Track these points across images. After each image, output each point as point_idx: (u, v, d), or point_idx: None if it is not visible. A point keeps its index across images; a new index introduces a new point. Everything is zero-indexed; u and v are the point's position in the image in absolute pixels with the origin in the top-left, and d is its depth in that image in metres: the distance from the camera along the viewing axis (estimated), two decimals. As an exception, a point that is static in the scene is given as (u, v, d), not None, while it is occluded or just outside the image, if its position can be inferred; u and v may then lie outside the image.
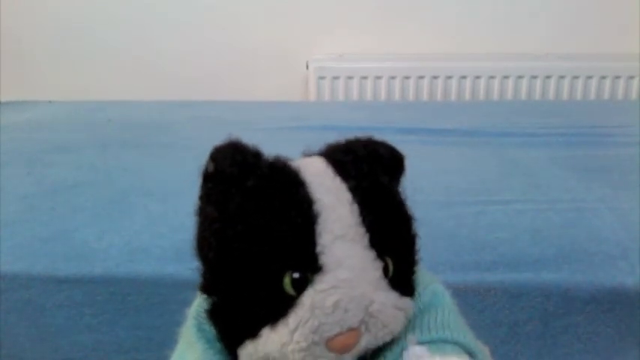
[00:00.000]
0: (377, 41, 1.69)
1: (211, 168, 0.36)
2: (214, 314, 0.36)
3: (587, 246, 0.68)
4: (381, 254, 0.34)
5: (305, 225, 0.33)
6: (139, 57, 1.73)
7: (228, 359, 0.37)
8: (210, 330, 0.38)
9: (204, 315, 0.38)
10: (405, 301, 0.36)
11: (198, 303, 0.40)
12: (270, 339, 0.33)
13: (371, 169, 0.37)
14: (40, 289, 0.67)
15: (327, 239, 0.33)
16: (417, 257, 0.38)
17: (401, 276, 0.36)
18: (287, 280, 0.33)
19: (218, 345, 0.38)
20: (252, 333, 0.34)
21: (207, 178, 0.37)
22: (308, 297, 0.33)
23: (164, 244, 0.69)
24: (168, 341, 0.69)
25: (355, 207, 0.34)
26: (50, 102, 1.48)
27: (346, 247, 0.33)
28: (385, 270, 0.35)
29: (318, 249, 0.33)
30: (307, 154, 0.39)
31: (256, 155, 0.36)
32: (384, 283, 0.34)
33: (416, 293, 0.38)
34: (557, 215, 0.73)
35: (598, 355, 0.67)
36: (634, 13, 1.61)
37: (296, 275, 0.33)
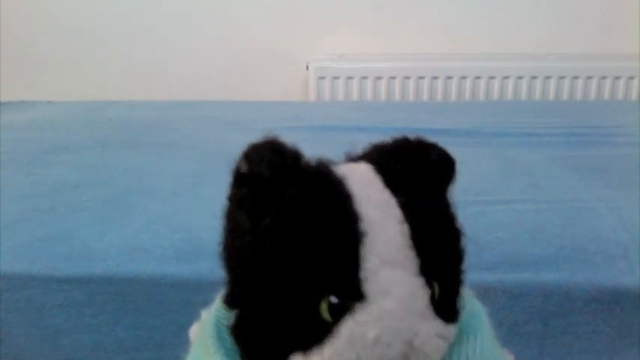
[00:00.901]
0: (377, 41, 1.69)
1: (245, 168, 0.31)
2: (238, 330, 0.33)
3: (587, 246, 0.68)
4: (429, 280, 0.31)
5: (349, 245, 0.30)
6: (139, 57, 1.73)
7: None
8: (229, 339, 0.35)
9: (223, 322, 0.35)
10: (449, 330, 0.33)
11: (218, 307, 0.37)
12: None
13: (422, 177, 0.33)
14: (40, 289, 0.67)
15: (374, 264, 0.30)
16: (463, 277, 0.35)
17: (446, 300, 0.33)
18: (324, 306, 0.30)
19: (237, 358, 0.35)
20: (281, 357, 0.31)
21: (240, 179, 0.32)
22: (347, 328, 0.29)
23: (164, 244, 0.69)
24: (169, 341, 0.70)
25: (406, 227, 0.31)
26: (50, 102, 1.48)
27: (393, 274, 0.30)
28: (432, 295, 0.31)
29: (362, 274, 0.29)
30: (351, 157, 0.35)
31: (296, 158, 0.32)
32: (429, 311, 0.31)
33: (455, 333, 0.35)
34: (557, 215, 0.73)
35: (598, 355, 0.67)
36: (634, 13, 1.61)
37: (334, 300, 0.29)
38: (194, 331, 0.40)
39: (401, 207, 0.31)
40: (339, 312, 0.30)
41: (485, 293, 0.64)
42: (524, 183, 0.84)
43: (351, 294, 0.30)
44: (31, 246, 0.69)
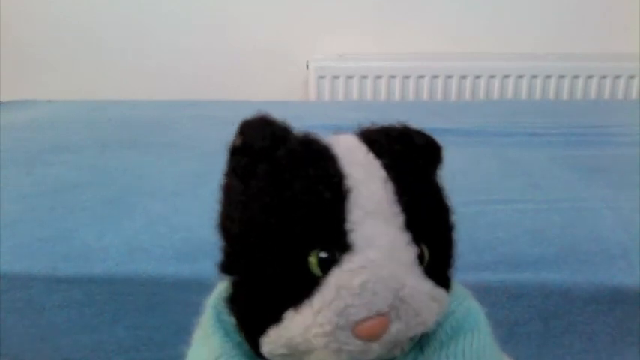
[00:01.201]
0: (377, 41, 1.69)
1: (239, 142, 0.34)
2: (235, 299, 0.34)
3: (587, 246, 0.68)
4: (416, 239, 0.32)
5: (334, 200, 0.31)
6: (139, 57, 1.73)
7: (246, 352, 0.35)
8: (229, 320, 0.36)
9: (223, 305, 0.36)
10: (440, 292, 0.33)
11: (218, 292, 0.38)
12: (294, 322, 0.31)
13: (406, 150, 0.34)
14: (40, 289, 0.67)
15: (358, 216, 0.31)
16: (453, 250, 0.36)
17: (437, 266, 0.33)
18: (313, 260, 0.31)
19: (236, 337, 0.36)
20: (275, 317, 0.32)
21: (235, 151, 0.34)
22: (334, 276, 0.30)
23: (164, 244, 0.69)
24: (169, 341, 0.70)
25: (390, 185, 0.32)
26: (50, 102, 1.48)
27: (378, 226, 0.31)
28: (420, 258, 0.32)
29: (348, 226, 0.31)
30: (338, 133, 0.36)
31: (285, 129, 0.34)
32: (418, 270, 0.32)
33: (450, 306, 0.36)
34: (557, 215, 0.73)
35: (598, 355, 0.67)
36: (634, 13, 1.61)
37: (323, 255, 0.31)
38: (196, 335, 0.40)
39: (384, 168, 0.33)
40: (328, 265, 0.31)
41: (485, 293, 0.64)
42: (524, 183, 0.84)
43: (338, 246, 0.31)
44: (31, 246, 0.69)
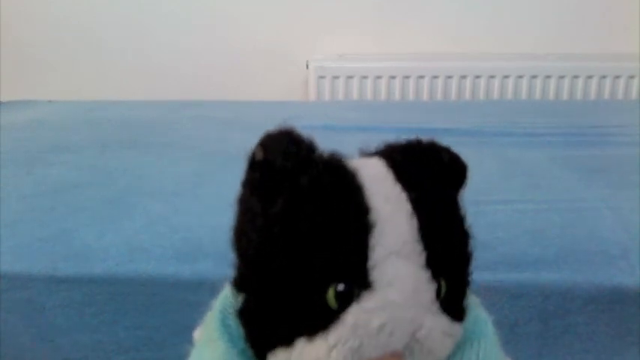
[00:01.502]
0: (377, 41, 1.69)
1: (260, 156, 0.32)
2: (245, 314, 0.34)
3: (587, 246, 0.68)
4: (435, 275, 0.32)
5: (358, 235, 0.30)
6: (139, 57, 1.73)
7: (249, 359, 0.35)
8: (235, 326, 0.35)
9: (229, 310, 0.36)
10: (455, 327, 0.33)
11: (225, 295, 0.38)
12: (306, 351, 0.31)
13: (433, 177, 0.34)
14: (40, 289, 0.67)
15: (381, 254, 0.30)
16: (470, 278, 0.35)
17: (453, 298, 0.33)
18: (331, 293, 0.30)
19: (241, 344, 0.35)
20: (286, 341, 0.31)
21: (255, 166, 0.32)
22: (352, 315, 0.30)
23: (164, 244, 0.69)
24: (169, 341, 0.70)
25: (415, 221, 0.31)
26: (50, 102, 1.48)
27: (400, 265, 0.30)
28: (438, 291, 0.32)
29: (370, 263, 0.30)
30: (363, 153, 0.36)
31: (310, 148, 0.33)
32: (435, 307, 0.32)
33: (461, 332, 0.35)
34: (557, 215, 0.73)
35: (598, 355, 0.67)
36: (634, 13, 1.61)
37: (341, 288, 0.30)
38: (198, 333, 0.40)
39: (411, 202, 0.32)
40: (346, 299, 0.30)
41: (486, 293, 0.64)
42: (524, 183, 0.84)
43: (358, 282, 0.30)
44: (31, 246, 0.69)
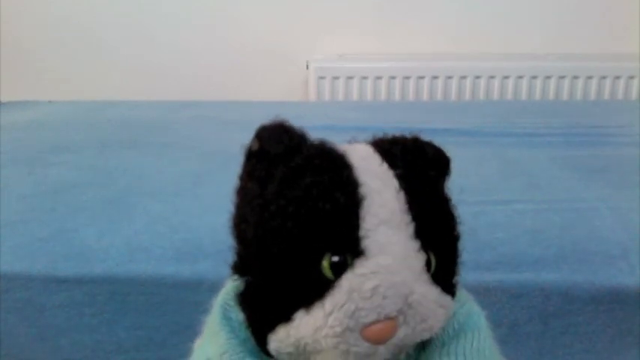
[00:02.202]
0: (377, 41, 1.69)
1: (256, 146, 0.35)
2: (246, 297, 0.35)
3: (587, 246, 0.68)
4: (424, 247, 0.33)
5: (349, 207, 0.32)
6: (139, 57, 1.73)
7: (251, 349, 0.36)
8: (235, 318, 0.37)
9: (230, 303, 0.37)
10: (447, 299, 0.34)
11: (226, 291, 0.39)
12: (304, 322, 0.32)
13: (418, 161, 0.36)
14: (40, 289, 0.67)
15: (371, 223, 0.32)
16: (459, 259, 0.37)
17: (443, 273, 0.35)
18: (326, 263, 0.32)
19: (242, 334, 0.37)
20: (286, 316, 0.33)
21: (251, 155, 0.35)
22: (347, 280, 0.31)
23: (164, 244, 0.69)
24: (169, 341, 0.70)
25: (402, 194, 0.33)
26: (50, 102, 1.48)
27: (390, 233, 0.32)
28: (428, 265, 0.33)
29: (361, 232, 0.32)
30: (352, 142, 0.38)
31: (302, 136, 0.35)
32: (425, 277, 0.33)
33: (453, 307, 0.37)
34: (557, 215, 0.73)
35: (598, 355, 0.67)
36: (634, 13, 1.61)
37: (335, 259, 0.32)
38: (199, 342, 0.40)
39: (397, 178, 0.34)
40: (340, 268, 0.32)
41: (485, 293, 0.65)
42: (524, 183, 0.84)
43: (351, 251, 0.32)
44: (31, 246, 0.69)
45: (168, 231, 0.71)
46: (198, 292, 0.65)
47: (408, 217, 0.33)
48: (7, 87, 1.70)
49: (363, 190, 0.33)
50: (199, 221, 0.72)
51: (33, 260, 0.68)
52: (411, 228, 0.33)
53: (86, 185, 0.84)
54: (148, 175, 0.88)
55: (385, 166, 0.35)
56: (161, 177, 0.88)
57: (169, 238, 0.70)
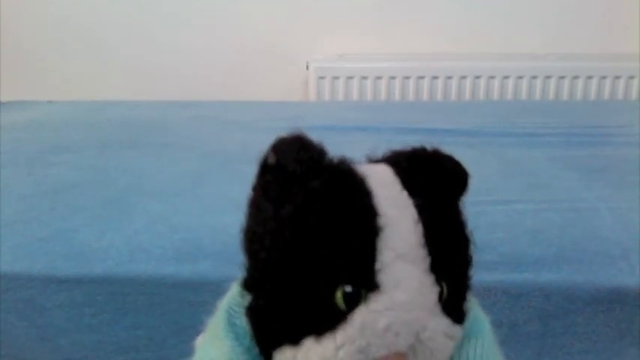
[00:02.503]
0: (377, 41, 1.69)
1: (272, 160, 0.33)
2: (254, 313, 0.34)
3: (587, 246, 0.68)
4: (438, 279, 0.33)
5: (367, 238, 0.31)
6: (139, 57, 1.73)
7: (255, 357, 0.36)
8: (241, 325, 0.36)
9: (235, 309, 0.37)
10: (456, 329, 0.34)
11: (232, 295, 0.38)
12: (313, 350, 0.32)
13: (438, 184, 0.35)
14: (40, 289, 0.67)
15: (388, 257, 0.31)
16: (470, 282, 0.37)
17: (454, 301, 0.34)
18: (340, 294, 0.31)
19: (247, 342, 0.36)
20: (294, 339, 0.32)
21: (267, 170, 0.34)
22: (360, 315, 0.31)
23: (164, 244, 0.69)
24: (169, 341, 0.70)
25: (420, 227, 0.33)
26: (50, 102, 1.48)
27: (406, 268, 0.32)
28: (439, 294, 0.33)
29: (378, 266, 0.31)
30: (371, 159, 0.37)
31: (321, 154, 0.34)
32: (437, 309, 0.33)
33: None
34: (557, 215, 0.73)
35: (598, 355, 0.67)
36: (634, 13, 1.61)
37: (349, 289, 0.31)
38: (201, 339, 0.40)
39: (416, 208, 0.33)
40: (353, 301, 0.31)
41: (485, 293, 0.65)
42: (524, 183, 0.84)
43: (366, 284, 0.31)
44: (31, 246, 0.69)
45: (168, 231, 0.71)
46: (198, 292, 0.65)
47: (424, 252, 0.32)
48: (7, 87, 1.70)
49: (382, 220, 0.32)
50: (199, 221, 0.72)
51: (33, 260, 0.68)
52: (426, 262, 0.32)
53: (86, 185, 0.84)
54: (148, 175, 0.88)
55: (405, 194, 0.34)
56: (161, 177, 0.88)
57: (169, 238, 0.70)
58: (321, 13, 1.68)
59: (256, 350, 0.36)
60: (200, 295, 0.65)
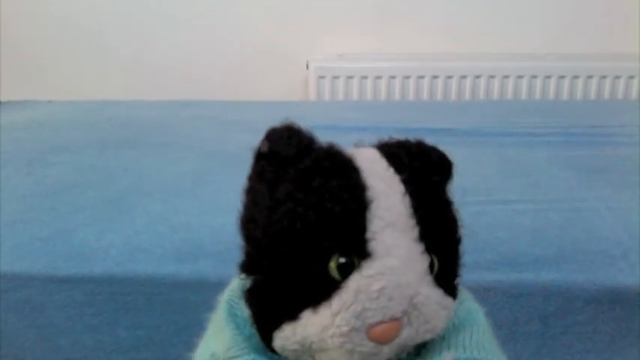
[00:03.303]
0: (377, 41, 1.69)
1: (265, 148, 0.36)
2: (253, 294, 0.36)
3: (587, 246, 0.68)
4: (428, 250, 0.34)
5: (357, 209, 0.33)
6: (139, 57, 1.73)
7: (256, 345, 0.37)
8: (241, 315, 0.38)
9: (236, 300, 0.38)
10: (449, 301, 0.35)
11: (232, 288, 0.40)
12: (311, 322, 0.33)
13: (423, 166, 0.36)
14: (40, 289, 0.67)
15: (378, 226, 0.33)
16: (460, 261, 0.38)
17: (445, 275, 0.35)
18: (333, 264, 0.33)
19: (247, 331, 0.37)
20: (292, 315, 0.33)
21: (261, 157, 0.36)
22: (354, 281, 0.32)
23: (164, 244, 0.69)
24: (169, 341, 0.70)
25: (407, 198, 0.34)
26: (50, 102, 1.48)
27: (396, 236, 0.33)
28: (431, 267, 0.34)
29: (368, 235, 0.33)
30: (359, 146, 0.38)
31: (311, 139, 0.36)
32: (429, 279, 0.34)
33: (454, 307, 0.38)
34: (557, 215, 0.73)
35: (598, 355, 0.67)
36: (634, 13, 1.61)
37: (343, 260, 0.33)
38: (203, 339, 0.41)
39: (403, 182, 0.35)
40: (347, 270, 0.33)
41: (485, 293, 0.64)
42: (524, 183, 0.84)
43: (358, 252, 0.33)
44: (31, 246, 0.69)
45: (168, 231, 0.71)
46: (199, 292, 0.65)
47: (412, 221, 0.34)
48: (7, 87, 1.70)
49: (370, 193, 0.33)
50: (199, 221, 0.72)
51: (33, 260, 0.68)
52: (415, 231, 0.34)
53: (86, 185, 0.84)
54: (148, 175, 0.88)
55: (391, 170, 0.35)
56: (161, 177, 0.88)
57: (169, 238, 0.70)
58: (321, 13, 1.67)
59: (257, 339, 0.37)
60: (200, 295, 0.65)
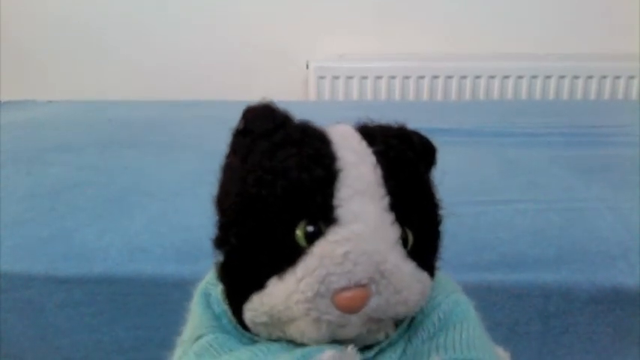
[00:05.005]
0: (377, 41, 1.69)
1: (241, 125, 0.37)
2: (224, 268, 0.36)
3: (587, 246, 0.68)
4: (400, 221, 0.34)
5: (325, 178, 0.33)
6: (139, 57, 1.73)
7: (226, 325, 0.37)
8: (214, 295, 0.38)
9: (212, 282, 0.39)
10: (423, 275, 0.34)
11: (208, 279, 0.40)
12: (277, 289, 0.32)
13: (400, 144, 0.36)
14: (40, 289, 0.67)
15: (346, 193, 0.33)
16: (439, 241, 0.37)
17: (421, 252, 0.35)
18: (300, 232, 0.32)
19: (218, 309, 0.38)
20: (260, 284, 0.33)
21: (236, 134, 0.37)
22: (319, 247, 0.32)
23: (164, 244, 0.69)
24: (169, 341, 0.69)
25: (378, 169, 0.34)
26: (50, 102, 1.48)
27: (364, 203, 0.33)
28: (404, 241, 0.34)
29: (335, 202, 0.32)
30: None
31: (286, 117, 0.37)
32: (401, 251, 0.33)
33: (437, 298, 0.37)
34: (557, 215, 0.73)
35: (598, 355, 0.67)
36: (634, 13, 1.61)
37: (310, 228, 0.32)
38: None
39: (375, 154, 0.35)
40: (314, 238, 0.32)
41: (485, 293, 0.65)
42: (524, 183, 0.84)
43: (325, 219, 0.32)
44: (31, 246, 0.69)
45: (168, 231, 0.71)
46: (199, 292, 0.65)
47: (383, 190, 0.33)
48: (7, 87, 1.70)
49: (340, 163, 0.33)
50: (199, 221, 0.72)
51: (33, 260, 0.68)
52: (385, 201, 0.33)
53: (86, 185, 0.84)
54: (148, 175, 0.88)
55: (364, 143, 0.35)
56: (161, 177, 0.88)
57: (169, 238, 0.70)
58: (321, 13, 1.67)
59: (227, 318, 0.37)
60: (200, 295, 0.65)
